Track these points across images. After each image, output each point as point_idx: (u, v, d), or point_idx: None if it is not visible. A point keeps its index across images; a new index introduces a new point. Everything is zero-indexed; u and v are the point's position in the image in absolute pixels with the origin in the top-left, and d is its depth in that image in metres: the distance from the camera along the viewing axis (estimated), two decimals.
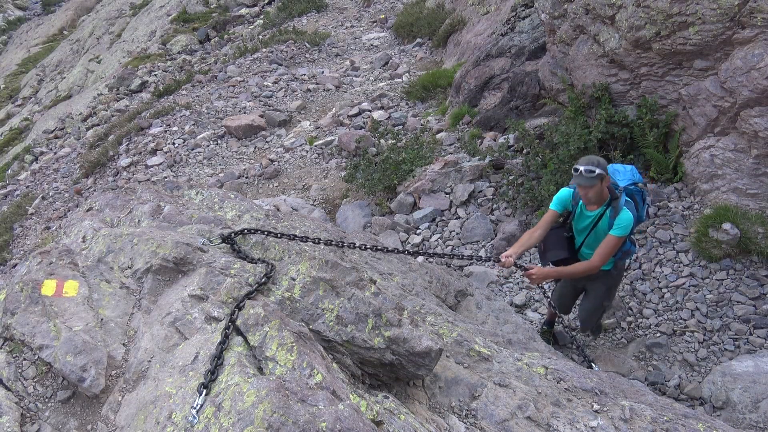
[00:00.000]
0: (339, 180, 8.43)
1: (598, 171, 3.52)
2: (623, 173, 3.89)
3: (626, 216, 3.60)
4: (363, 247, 3.49)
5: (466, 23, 11.92)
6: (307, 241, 3.25)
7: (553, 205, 3.92)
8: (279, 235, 3.18)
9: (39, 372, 2.39)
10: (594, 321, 4.55)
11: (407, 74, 12.32)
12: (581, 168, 3.55)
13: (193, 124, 11.69)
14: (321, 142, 9.83)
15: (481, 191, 6.80)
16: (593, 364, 3.65)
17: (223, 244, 3.12)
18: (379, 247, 3.57)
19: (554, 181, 5.75)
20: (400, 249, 3.72)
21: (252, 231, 3.19)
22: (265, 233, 3.16)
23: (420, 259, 6.03)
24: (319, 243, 3.29)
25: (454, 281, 4.55)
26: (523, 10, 8.77)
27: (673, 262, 5.13)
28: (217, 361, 2.12)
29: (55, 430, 2.22)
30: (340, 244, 3.36)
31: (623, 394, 2.98)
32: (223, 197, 4.08)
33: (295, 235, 3.21)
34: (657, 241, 5.30)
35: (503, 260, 3.74)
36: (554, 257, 4.03)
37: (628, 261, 4.22)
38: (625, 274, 4.78)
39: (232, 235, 3.13)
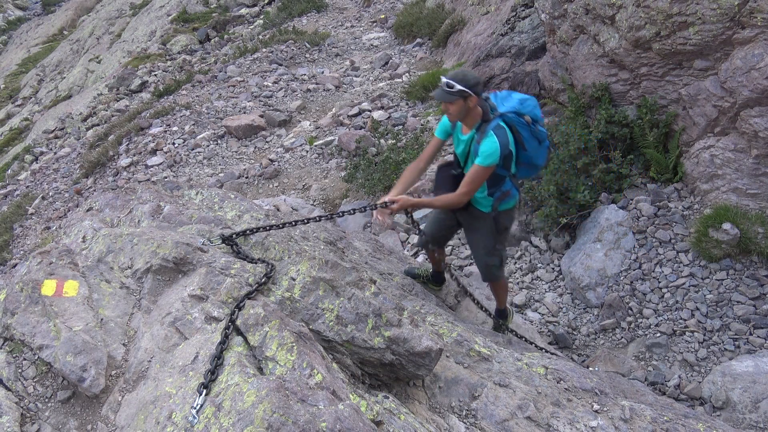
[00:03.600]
0: (339, 180, 8.42)
1: (458, 87, 3.13)
2: (510, 101, 3.38)
3: (490, 141, 3.21)
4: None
5: (466, 23, 11.91)
6: (297, 224, 3.26)
7: (437, 132, 3.59)
8: (281, 225, 3.18)
9: (39, 372, 2.39)
10: (492, 272, 3.98)
11: (407, 74, 12.31)
12: (443, 79, 3.18)
13: (193, 124, 11.68)
14: (321, 142, 9.83)
15: None
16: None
17: (223, 244, 3.12)
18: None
19: (554, 181, 5.75)
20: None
21: (253, 231, 3.19)
22: (267, 228, 3.16)
23: (420, 258, 6.04)
24: (308, 223, 3.30)
25: (453, 281, 4.55)
26: (523, 10, 8.77)
27: (673, 262, 5.13)
28: (217, 361, 2.12)
29: (55, 430, 2.22)
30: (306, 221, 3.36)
31: (623, 394, 2.99)
32: (223, 197, 4.08)
33: (284, 223, 3.20)
34: (657, 241, 5.29)
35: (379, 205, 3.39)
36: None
37: (513, 205, 3.68)
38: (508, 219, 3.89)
39: (233, 235, 3.13)
